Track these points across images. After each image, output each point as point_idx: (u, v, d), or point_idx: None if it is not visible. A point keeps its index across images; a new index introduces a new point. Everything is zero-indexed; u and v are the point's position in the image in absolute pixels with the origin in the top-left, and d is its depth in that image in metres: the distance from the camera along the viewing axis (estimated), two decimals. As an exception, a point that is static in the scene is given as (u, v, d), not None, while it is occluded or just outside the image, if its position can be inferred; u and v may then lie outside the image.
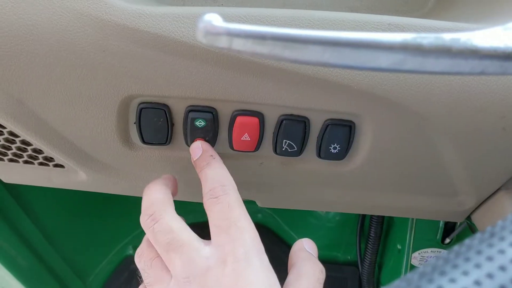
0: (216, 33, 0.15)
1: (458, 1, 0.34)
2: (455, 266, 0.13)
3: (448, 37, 0.15)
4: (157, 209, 0.29)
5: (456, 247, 0.14)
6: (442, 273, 0.13)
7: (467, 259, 0.13)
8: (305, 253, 0.30)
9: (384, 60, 0.15)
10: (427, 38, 0.15)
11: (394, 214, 0.42)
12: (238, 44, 0.15)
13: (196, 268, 0.26)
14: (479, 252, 0.13)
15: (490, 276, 0.12)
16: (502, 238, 0.13)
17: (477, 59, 0.15)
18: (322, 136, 0.32)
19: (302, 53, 0.15)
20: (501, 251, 0.13)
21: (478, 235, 0.14)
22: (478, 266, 0.13)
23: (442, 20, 0.29)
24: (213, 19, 0.15)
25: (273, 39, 0.14)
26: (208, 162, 0.30)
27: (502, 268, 0.12)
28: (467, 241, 0.14)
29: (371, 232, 0.71)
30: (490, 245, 0.13)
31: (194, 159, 0.32)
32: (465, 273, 0.12)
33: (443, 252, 0.59)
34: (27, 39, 0.27)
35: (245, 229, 0.27)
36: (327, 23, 0.27)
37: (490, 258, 0.13)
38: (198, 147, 0.32)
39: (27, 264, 0.63)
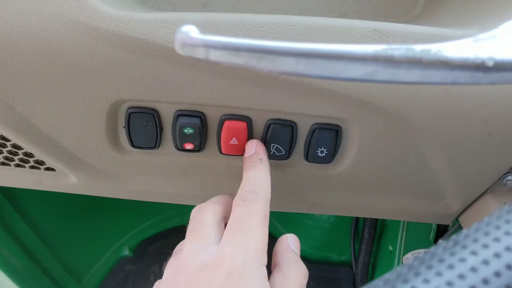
0: (192, 44, 0.15)
1: (446, 5, 0.35)
2: (429, 267, 0.14)
3: (418, 49, 0.15)
4: (206, 208, 0.30)
5: (432, 249, 0.15)
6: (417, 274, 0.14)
7: (441, 260, 0.14)
8: (291, 254, 0.29)
9: (356, 71, 0.15)
10: (398, 50, 0.15)
11: (382, 216, 0.42)
12: (215, 55, 0.15)
13: (194, 261, 0.26)
14: (452, 254, 0.14)
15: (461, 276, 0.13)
16: (475, 240, 0.14)
17: (448, 70, 0.15)
18: (310, 140, 0.33)
19: (277, 64, 0.15)
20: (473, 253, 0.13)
21: (453, 237, 0.15)
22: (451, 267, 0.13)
23: (430, 25, 0.29)
24: (190, 30, 0.15)
25: (247, 51, 0.15)
26: (254, 164, 0.31)
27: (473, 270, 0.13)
28: (443, 243, 0.15)
29: (365, 233, 0.71)
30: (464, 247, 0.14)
31: (245, 156, 0.32)
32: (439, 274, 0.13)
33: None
34: (16, 45, 0.27)
35: (253, 238, 0.26)
36: (313, 29, 0.27)
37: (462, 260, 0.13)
38: (252, 147, 0.32)
39: (22, 265, 0.63)
